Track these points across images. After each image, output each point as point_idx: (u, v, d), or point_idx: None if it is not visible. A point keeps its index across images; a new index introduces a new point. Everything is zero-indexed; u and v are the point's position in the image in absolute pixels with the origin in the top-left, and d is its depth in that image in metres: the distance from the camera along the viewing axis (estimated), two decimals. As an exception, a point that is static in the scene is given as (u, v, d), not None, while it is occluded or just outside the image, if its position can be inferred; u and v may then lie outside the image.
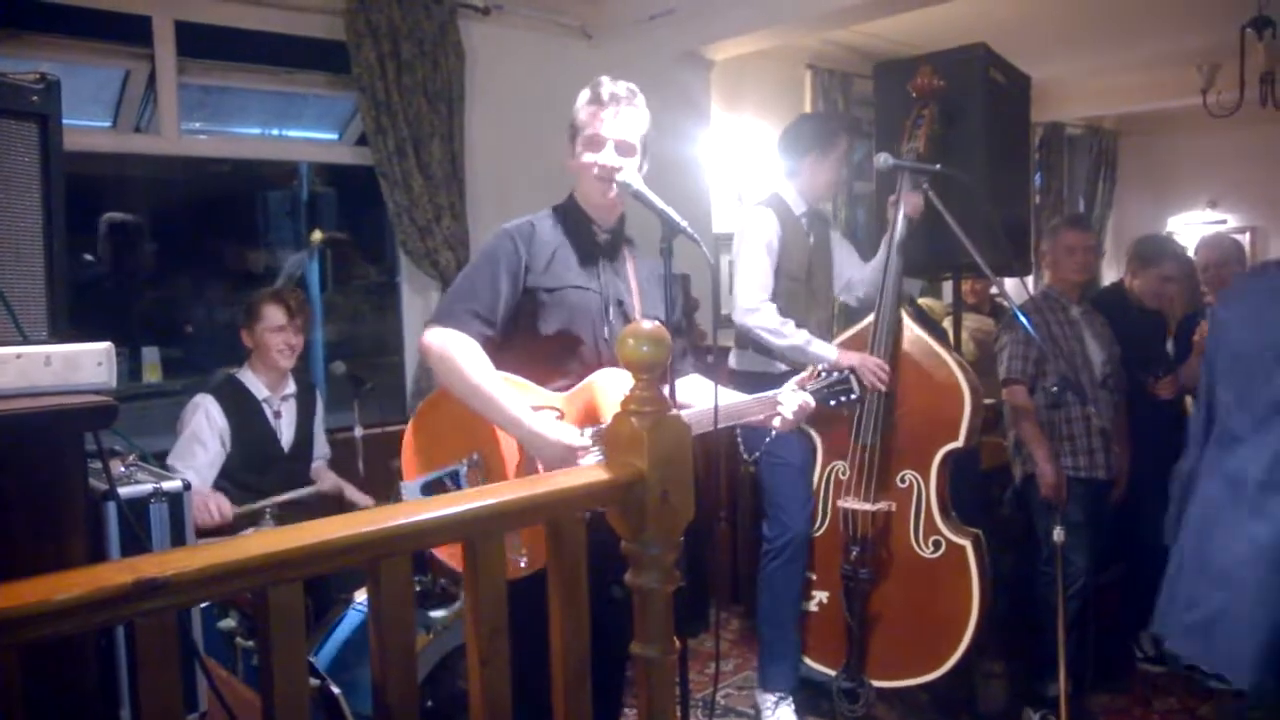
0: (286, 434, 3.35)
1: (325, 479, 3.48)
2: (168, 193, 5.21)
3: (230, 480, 3.17)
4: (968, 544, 3.05)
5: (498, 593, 1.41)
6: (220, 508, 2.90)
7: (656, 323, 1.57)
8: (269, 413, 3.31)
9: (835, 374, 2.39)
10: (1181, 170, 8.40)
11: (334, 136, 4.77)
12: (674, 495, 1.55)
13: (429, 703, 2.66)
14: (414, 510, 1.34)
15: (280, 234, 5.91)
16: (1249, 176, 7.94)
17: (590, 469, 1.59)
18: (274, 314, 3.26)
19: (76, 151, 3.63)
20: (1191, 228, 8.33)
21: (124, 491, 1.51)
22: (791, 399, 2.32)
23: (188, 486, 1.62)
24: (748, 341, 3.25)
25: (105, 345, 1.34)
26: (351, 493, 3.47)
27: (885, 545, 3.15)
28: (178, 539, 1.59)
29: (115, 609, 1.05)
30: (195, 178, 4.95)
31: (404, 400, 4.64)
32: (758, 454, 3.23)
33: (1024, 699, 3.41)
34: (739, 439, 3.32)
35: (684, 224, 2.06)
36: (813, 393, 2.35)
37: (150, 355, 4.49)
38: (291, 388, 3.38)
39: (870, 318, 3.20)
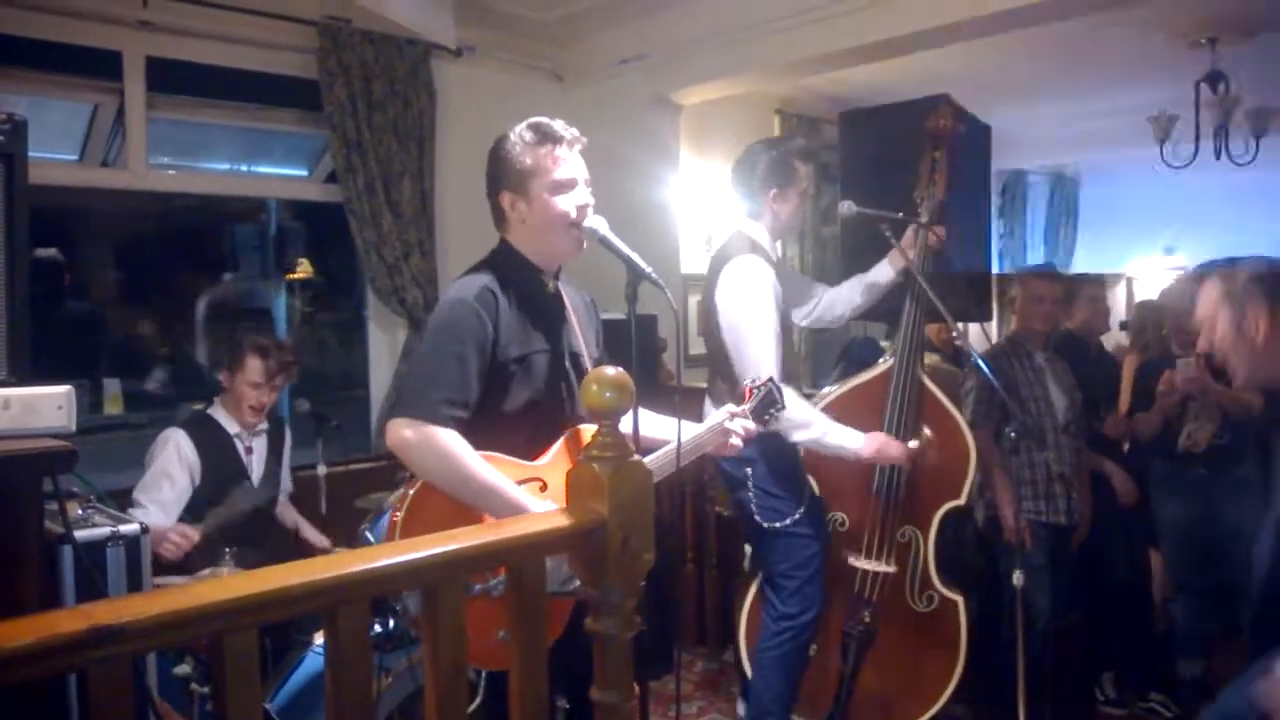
0: (256, 470, 3.34)
1: (285, 515, 3.47)
2: (135, 225, 5.18)
3: (195, 515, 3.14)
4: (960, 600, 3.07)
5: (457, 638, 1.41)
6: (184, 535, 2.88)
7: (619, 369, 1.58)
8: (240, 449, 3.29)
9: (763, 390, 2.40)
10: (1140, 217, 8.58)
11: (304, 172, 4.77)
12: (635, 541, 1.55)
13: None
14: (372, 556, 1.34)
15: (248, 268, 5.90)
16: (1205, 224, 8.11)
17: (552, 514, 1.59)
18: (254, 369, 3.22)
19: (42, 185, 3.62)
20: (1151, 274, 8.52)
21: (81, 535, 1.49)
22: (738, 427, 2.33)
23: (145, 530, 1.60)
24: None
25: (65, 389, 1.33)
26: (307, 531, 3.45)
27: (884, 599, 3.13)
28: (134, 583, 1.57)
29: (69, 656, 1.04)
30: (163, 210, 4.93)
31: (369, 437, 4.61)
32: (785, 523, 2.97)
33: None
34: (754, 507, 3.00)
35: (649, 270, 2.06)
36: (751, 414, 2.37)
37: (111, 387, 4.44)
38: (263, 424, 3.36)
39: (887, 364, 3.12)
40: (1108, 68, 5.67)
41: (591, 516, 1.52)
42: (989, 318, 4.13)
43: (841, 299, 3.28)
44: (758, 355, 2.85)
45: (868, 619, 3.07)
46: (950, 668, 3.04)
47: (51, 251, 4.35)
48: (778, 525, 2.96)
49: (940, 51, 4.35)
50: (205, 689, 2.44)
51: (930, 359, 4.14)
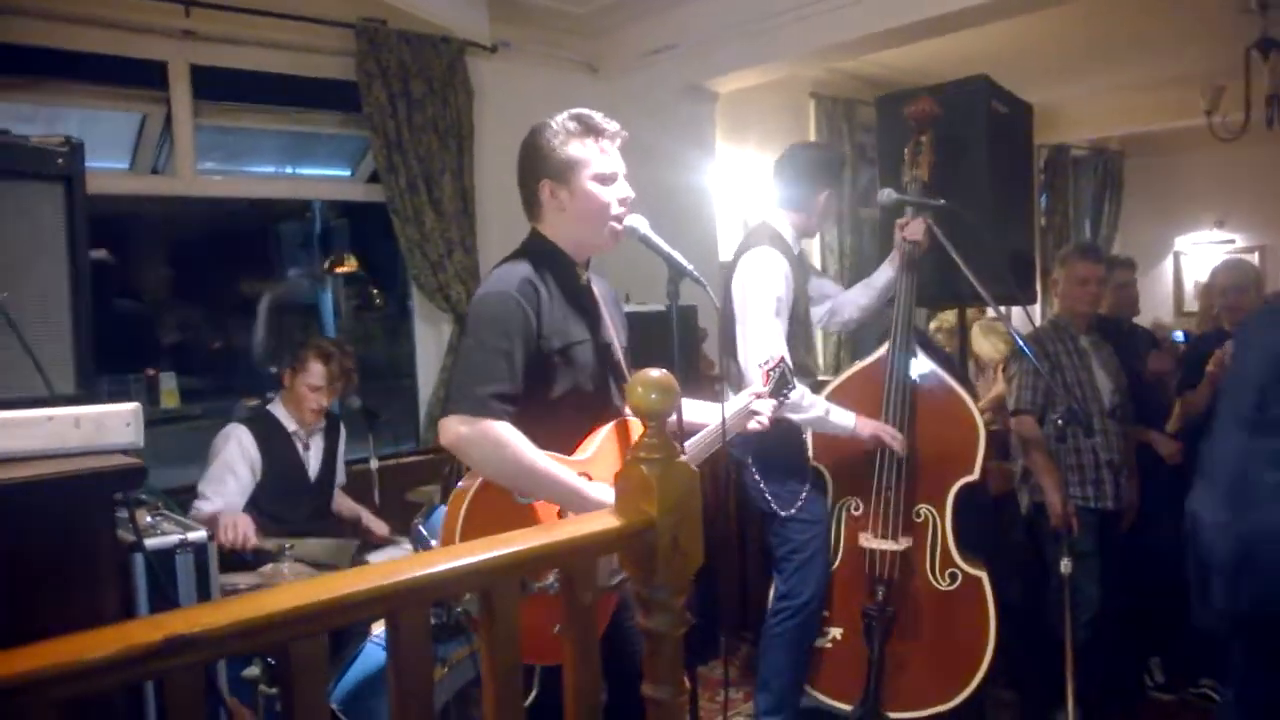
0: (314, 466, 3.45)
1: (343, 505, 3.60)
2: (186, 226, 5.31)
3: (257, 509, 3.25)
4: (983, 574, 3.08)
5: (513, 638, 1.45)
6: (245, 532, 2.97)
7: (664, 371, 1.60)
8: (299, 445, 3.41)
9: (777, 371, 2.41)
10: (1188, 190, 8.36)
11: (347, 172, 4.84)
12: (684, 540, 1.58)
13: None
14: (431, 561, 1.38)
15: (295, 265, 6.02)
16: (1257, 196, 7.91)
17: (602, 516, 1.62)
18: (316, 373, 3.35)
19: (95, 194, 3.71)
20: (1200, 248, 8.34)
21: (151, 543, 1.55)
22: (763, 407, 2.36)
23: (211, 537, 1.66)
24: (741, 386, 3.21)
25: (133, 406, 1.38)
26: (368, 520, 3.54)
27: (904, 580, 3.15)
28: (203, 589, 1.63)
29: (145, 665, 1.09)
30: (212, 211, 5.04)
31: (417, 428, 4.69)
32: (792, 511, 3.14)
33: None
34: (767, 494, 3.16)
35: (690, 267, 2.07)
36: (770, 395, 2.40)
37: (168, 381, 4.55)
38: (320, 421, 3.47)
39: (882, 350, 3.18)
40: (1152, 37, 5.55)
41: (641, 517, 1.55)
42: (1033, 301, 4.08)
43: (848, 303, 3.41)
44: (751, 352, 3.00)
45: (881, 596, 3.11)
46: (981, 644, 3.05)
47: (101, 253, 4.47)
48: (783, 513, 3.14)
49: (978, 30, 4.29)
50: (273, 690, 2.51)
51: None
